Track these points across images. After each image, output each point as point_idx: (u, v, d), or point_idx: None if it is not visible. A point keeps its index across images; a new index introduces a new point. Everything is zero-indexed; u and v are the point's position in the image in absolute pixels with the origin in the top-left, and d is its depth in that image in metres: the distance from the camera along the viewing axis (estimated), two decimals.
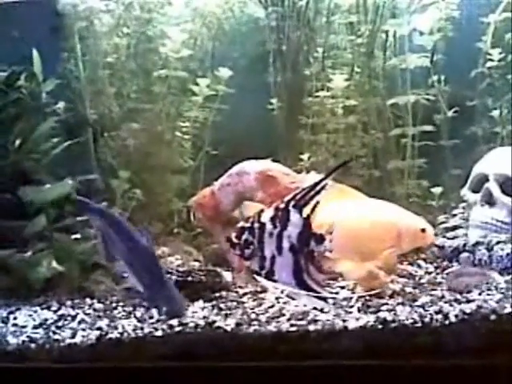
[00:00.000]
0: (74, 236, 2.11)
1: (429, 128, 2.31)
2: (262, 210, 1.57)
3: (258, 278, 1.60)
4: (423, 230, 1.84)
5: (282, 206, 1.52)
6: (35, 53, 2.18)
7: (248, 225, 1.56)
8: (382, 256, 1.82)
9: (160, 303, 1.72)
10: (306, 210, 1.53)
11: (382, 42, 2.37)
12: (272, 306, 1.76)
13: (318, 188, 1.50)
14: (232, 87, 2.40)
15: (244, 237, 1.56)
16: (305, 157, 2.31)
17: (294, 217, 1.51)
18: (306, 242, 1.51)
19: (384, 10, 2.34)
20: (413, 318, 1.54)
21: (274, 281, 1.56)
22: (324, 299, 1.54)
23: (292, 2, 2.41)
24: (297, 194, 1.52)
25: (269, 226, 1.53)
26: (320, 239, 1.52)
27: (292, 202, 1.51)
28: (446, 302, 1.65)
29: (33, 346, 1.61)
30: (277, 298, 1.83)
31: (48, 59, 2.26)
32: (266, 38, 2.45)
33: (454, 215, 2.20)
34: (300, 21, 2.42)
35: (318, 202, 1.50)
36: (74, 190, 2.07)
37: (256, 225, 1.54)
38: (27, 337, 1.66)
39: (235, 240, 1.57)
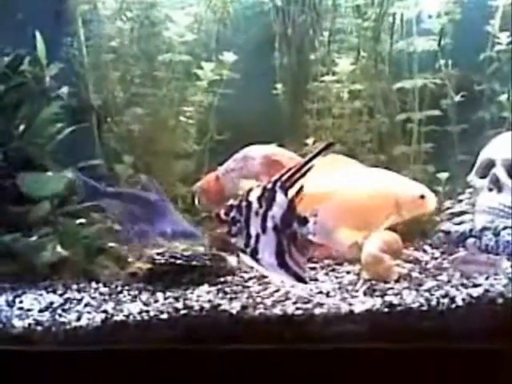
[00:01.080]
0: (78, 220, 2.11)
1: (436, 113, 2.29)
2: (250, 189, 1.56)
3: (242, 255, 1.60)
4: (422, 197, 1.81)
5: (269, 185, 1.52)
6: (39, 37, 2.16)
7: (236, 203, 1.56)
8: (383, 226, 1.79)
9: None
10: (292, 192, 1.51)
11: (388, 25, 2.34)
12: (277, 290, 1.76)
13: (303, 170, 1.49)
14: (237, 71, 2.38)
15: (232, 214, 1.56)
16: (310, 141, 2.29)
17: (279, 197, 1.50)
18: (289, 224, 1.51)
19: None
20: (419, 302, 1.53)
21: (257, 259, 1.56)
22: (304, 281, 1.52)
23: None
24: (283, 174, 1.51)
25: (255, 205, 1.53)
26: (303, 221, 1.51)
27: (278, 183, 1.51)
28: (452, 286, 1.64)
29: (39, 328, 1.62)
30: (282, 282, 1.83)
31: (51, 43, 2.24)
32: (272, 21, 2.42)
33: (461, 201, 2.18)
34: (306, 4, 2.39)
35: (302, 186, 1.49)
36: (70, 185, 2.06)
37: (243, 203, 1.55)
38: (33, 320, 1.66)
39: (224, 217, 1.57)
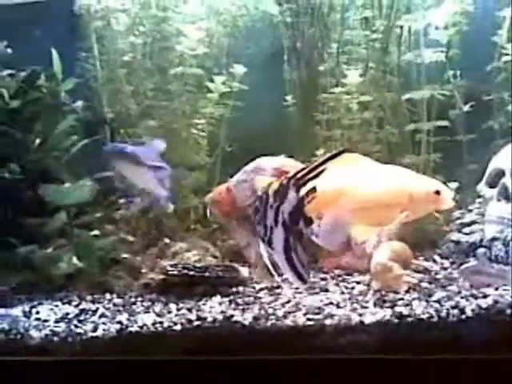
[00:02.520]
0: (93, 232, 2.16)
1: (444, 123, 2.31)
2: (271, 183, 1.61)
3: (261, 244, 1.65)
4: (437, 192, 1.79)
5: (285, 181, 1.56)
6: (54, 53, 2.22)
7: (260, 194, 1.63)
8: (396, 222, 1.79)
9: None
10: (304, 190, 1.54)
11: (396, 36, 2.37)
12: (288, 301, 1.78)
13: (317, 171, 1.52)
14: (247, 84, 2.41)
15: (256, 204, 1.64)
16: (320, 152, 2.31)
17: (291, 194, 1.53)
18: (297, 221, 1.54)
19: (399, 5, 2.33)
20: (429, 313, 1.55)
21: (272, 249, 1.60)
22: (304, 281, 1.55)
23: None
24: (298, 172, 1.55)
25: (271, 199, 1.57)
26: (308, 221, 1.53)
27: (292, 180, 1.54)
28: (462, 297, 1.65)
29: (55, 339, 1.66)
30: (293, 293, 1.85)
31: (66, 59, 2.30)
32: (281, 34, 2.45)
33: (470, 210, 2.19)
34: (314, 17, 2.42)
35: (315, 187, 1.52)
36: (93, 192, 2.11)
37: (264, 195, 1.60)
38: (50, 330, 1.70)
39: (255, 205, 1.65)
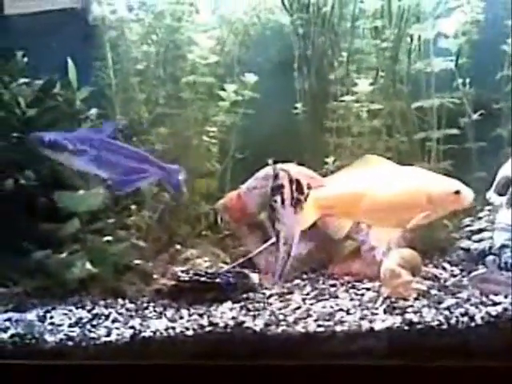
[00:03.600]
0: (105, 238, 2.19)
1: (454, 131, 2.32)
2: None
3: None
4: (457, 192, 1.79)
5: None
6: (70, 62, 2.26)
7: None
8: (413, 221, 1.80)
9: None
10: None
11: (406, 45, 2.39)
12: (298, 308, 1.80)
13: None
14: (258, 92, 2.44)
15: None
16: (330, 160, 2.34)
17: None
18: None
19: (409, 15, 2.35)
20: (439, 320, 1.56)
21: None
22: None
23: (317, 8, 2.44)
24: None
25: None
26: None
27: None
28: (472, 305, 1.66)
29: (70, 343, 1.69)
30: (303, 300, 1.87)
31: (81, 67, 2.34)
32: (291, 43, 2.48)
33: (480, 218, 2.20)
34: (325, 26, 2.45)
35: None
36: (105, 200, 2.14)
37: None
38: (64, 335, 1.73)
39: None
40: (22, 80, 2.26)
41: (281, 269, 1.67)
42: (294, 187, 1.67)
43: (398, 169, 1.93)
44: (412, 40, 2.37)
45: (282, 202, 1.66)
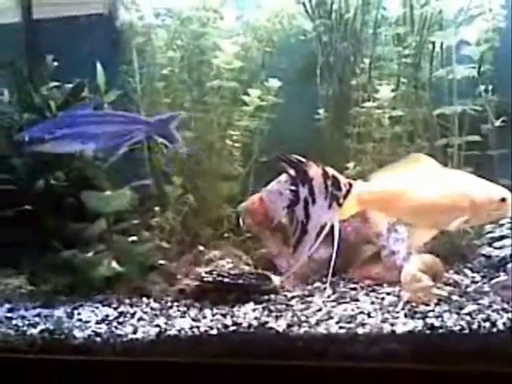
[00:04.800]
0: (131, 238, 2.24)
1: (476, 138, 2.33)
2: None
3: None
4: (503, 200, 1.78)
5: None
6: (99, 67, 2.33)
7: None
8: (454, 224, 1.81)
9: None
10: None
11: (428, 52, 2.40)
12: (320, 310, 1.83)
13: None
14: (281, 97, 2.48)
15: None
16: (351, 165, 2.36)
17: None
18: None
19: (431, 22, 2.37)
20: (460, 325, 1.58)
21: None
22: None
23: (339, 15, 2.47)
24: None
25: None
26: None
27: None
28: (493, 311, 1.68)
29: (98, 339, 1.74)
30: (324, 302, 1.90)
31: (109, 71, 2.41)
32: (314, 49, 2.52)
33: (501, 225, 2.20)
34: (347, 33, 2.48)
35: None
36: (131, 202, 2.19)
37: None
38: (92, 331, 1.79)
39: None
40: (53, 84, 2.33)
41: (306, 250, 1.69)
42: (329, 182, 1.68)
43: (444, 170, 1.93)
44: (434, 47, 2.39)
45: (311, 194, 1.67)
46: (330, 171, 1.69)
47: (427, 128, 2.40)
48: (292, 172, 1.71)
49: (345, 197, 1.68)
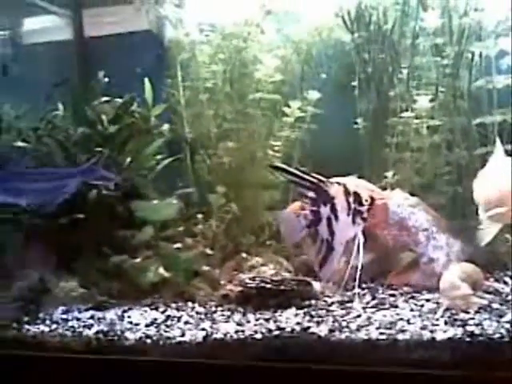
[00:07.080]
0: (176, 245, 2.34)
1: None
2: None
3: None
4: None
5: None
6: (147, 82, 2.45)
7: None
8: None
9: None
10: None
11: (467, 62, 2.42)
12: (359, 316, 1.88)
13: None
14: (321, 108, 2.55)
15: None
16: (389, 174, 2.40)
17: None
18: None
19: (469, 32, 2.39)
20: (500, 333, 1.60)
21: None
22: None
23: (377, 27, 2.52)
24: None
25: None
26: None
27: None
28: None
29: (148, 341, 1.84)
30: (363, 308, 1.95)
31: (155, 85, 2.52)
32: (353, 61, 2.57)
33: None
34: (385, 44, 2.52)
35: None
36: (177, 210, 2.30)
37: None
38: (142, 333, 1.89)
39: None
40: (104, 98, 2.46)
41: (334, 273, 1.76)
42: (351, 199, 1.75)
43: None
44: (473, 57, 2.41)
45: (334, 212, 1.74)
46: (351, 187, 1.74)
47: (466, 137, 2.41)
48: (312, 194, 1.77)
49: (368, 210, 1.73)
